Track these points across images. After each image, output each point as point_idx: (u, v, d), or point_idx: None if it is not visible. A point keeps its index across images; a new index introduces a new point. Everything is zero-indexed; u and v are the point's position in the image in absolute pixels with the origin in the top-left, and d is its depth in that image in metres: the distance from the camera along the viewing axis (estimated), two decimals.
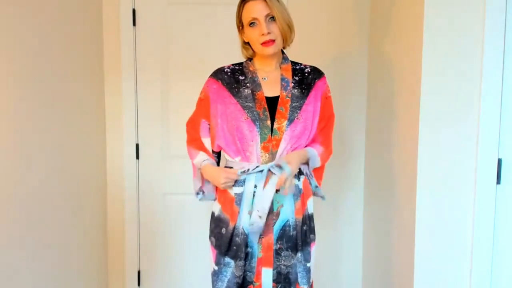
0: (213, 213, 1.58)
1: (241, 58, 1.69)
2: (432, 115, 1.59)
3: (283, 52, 1.61)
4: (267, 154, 1.48)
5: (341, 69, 2.41)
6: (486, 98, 1.55)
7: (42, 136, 1.84)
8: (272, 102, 1.50)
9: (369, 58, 2.37)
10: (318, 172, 1.65)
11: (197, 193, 1.66)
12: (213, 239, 1.55)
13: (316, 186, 1.63)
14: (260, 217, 1.41)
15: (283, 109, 1.49)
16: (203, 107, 1.61)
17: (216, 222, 1.54)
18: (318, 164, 1.59)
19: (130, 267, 2.54)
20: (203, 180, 1.61)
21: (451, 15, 1.55)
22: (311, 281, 1.54)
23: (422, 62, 1.57)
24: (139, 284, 2.56)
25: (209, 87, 1.58)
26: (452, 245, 1.63)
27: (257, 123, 1.47)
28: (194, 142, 1.63)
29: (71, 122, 2.09)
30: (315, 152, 1.56)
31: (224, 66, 1.61)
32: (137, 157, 2.49)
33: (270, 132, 1.48)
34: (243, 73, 1.55)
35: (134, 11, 2.40)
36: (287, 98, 1.50)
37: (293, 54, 1.72)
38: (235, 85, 1.53)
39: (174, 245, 2.53)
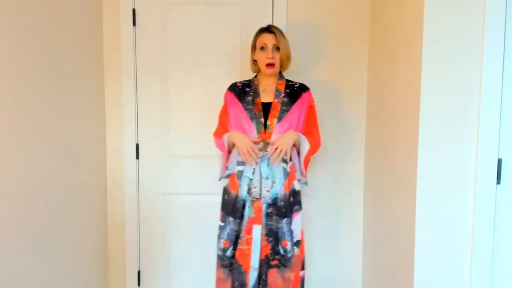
0: (224, 187, 2.11)
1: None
2: (432, 115, 1.59)
3: (281, 73, 2.12)
4: (261, 143, 2.00)
5: (341, 70, 2.41)
6: (486, 98, 1.55)
7: (42, 136, 1.84)
8: (268, 107, 2.04)
9: (369, 58, 2.37)
10: (306, 162, 2.13)
11: (223, 173, 2.14)
12: (222, 204, 2.10)
13: (301, 174, 2.11)
14: (267, 191, 2.00)
15: (274, 111, 2.02)
16: (225, 111, 2.15)
17: (224, 191, 2.10)
18: (307, 143, 2.04)
19: (130, 267, 2.54)
20: (229, 155, 2.10)
21: (451, 15, 1.55)
22: (294, 240, 2.03)
23: (422, 62, 1.57)
24: (139, 284, 2.56)
25: (226, 96, 2.13)
26: (452, 245, 1.63)
27: (254, 120, 2.02)
28: (220, 134, 2.14)
29: (71, 122, 2.09)
30: (303, 136, 2.05)
31: (237, 82, 2.15)
32: (137, 157, 2.49)
33: (264, 127, 2.01)
34: (249, 86, 2.11)
35: (134, 11, 2.40)
36: (278, 104, 2.03)
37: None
38: (243, 94, 2.08)
39: (174, 245, 2.53)
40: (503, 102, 1.56)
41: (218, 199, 2.46)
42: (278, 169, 2.01)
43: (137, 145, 2.49)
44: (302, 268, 2.08)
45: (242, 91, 2.08)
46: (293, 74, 2.36)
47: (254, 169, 1.99)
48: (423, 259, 1.65)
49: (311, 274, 2.50)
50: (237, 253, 2.01)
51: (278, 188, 2.00)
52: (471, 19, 1.55)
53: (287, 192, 2.02)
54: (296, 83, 2.12)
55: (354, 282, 2.52)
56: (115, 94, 2.45)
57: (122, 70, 2.43)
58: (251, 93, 2.06)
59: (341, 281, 2.53)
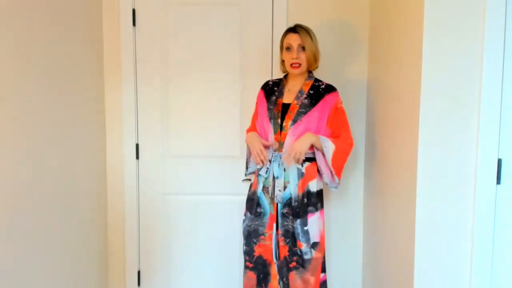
0: (250, 183, 2.17)
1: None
2: (432, 115, 1.59)
3: (310, 72, 2.10)
4: (277, 143, 2.03)
5: (342, 69, 2.41)
6: (486, 98, 1.55)
7: (42, 136, 1.84)
8: (288, 107, 2.03)
9: (369, 58, 2.37)
10: (337, 165, 2.02)
11: (246, 170, 2.22)
12: (246, 198, 2.15)
13: (331, 177, 2.05)
14: (280, 191, 2.01)
15: (291, 112, 2.01)
16: (256, 109, 2.19)
17: (249, 188, 2.15)
18: (330, 144, 1.98)
19: (130, 267, 2.54)
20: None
21: (451, 15, 1.55)
22: (311, 242, 2.01)
23: (422, 62, 1.57)
24: (139, 284, 2.56)
25: (259, 95, 2.18)
26: (452, 245, 1.63)
27: (272, 120, 2.04)
28: (250, 131, 2.16)
29: (71, 122, 2.09)
30: (324, 137, 2.00)
31: (269, 80, 2.18)
32: (137, 157, 2.49)
33: (280, 128, 2.01)
34: (278, 85, 2.12)
35: (134, 11, 2.40)
36: (297, 105, 2.02)
37: None
38: (270, 93, 2.11)
39: (174, 245, 2.53)
40: (503, 102, 1.55)
41: (218, 199, 2.48)
42: (293, 169, 2.00)
43: (137, 145, 2.49)
44: (323, 270, 2.07)
45: (270, 90, 2.12)
46: None
47: (267, 168, 2.02)
48: (423, 259, 1.65)
49: None
50: (261, 249, 2.06)
51: (292, 189, 2.00)
52: (471, 19, 1.55)
53: (301, 193, 2.01)
54: (323, 83, 2.08)
55: (354, 282, 2.52)
56: (115, 94, 2.45)
57: (122, 70, 2.43)
58: (276, 93, 2.08)
59: (341, 281, 2.53)
